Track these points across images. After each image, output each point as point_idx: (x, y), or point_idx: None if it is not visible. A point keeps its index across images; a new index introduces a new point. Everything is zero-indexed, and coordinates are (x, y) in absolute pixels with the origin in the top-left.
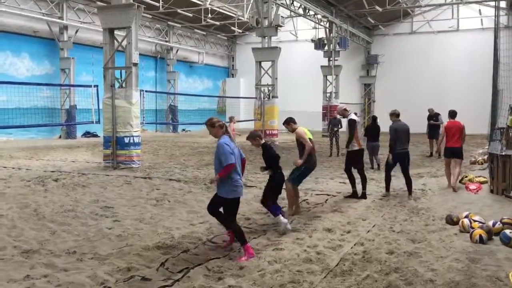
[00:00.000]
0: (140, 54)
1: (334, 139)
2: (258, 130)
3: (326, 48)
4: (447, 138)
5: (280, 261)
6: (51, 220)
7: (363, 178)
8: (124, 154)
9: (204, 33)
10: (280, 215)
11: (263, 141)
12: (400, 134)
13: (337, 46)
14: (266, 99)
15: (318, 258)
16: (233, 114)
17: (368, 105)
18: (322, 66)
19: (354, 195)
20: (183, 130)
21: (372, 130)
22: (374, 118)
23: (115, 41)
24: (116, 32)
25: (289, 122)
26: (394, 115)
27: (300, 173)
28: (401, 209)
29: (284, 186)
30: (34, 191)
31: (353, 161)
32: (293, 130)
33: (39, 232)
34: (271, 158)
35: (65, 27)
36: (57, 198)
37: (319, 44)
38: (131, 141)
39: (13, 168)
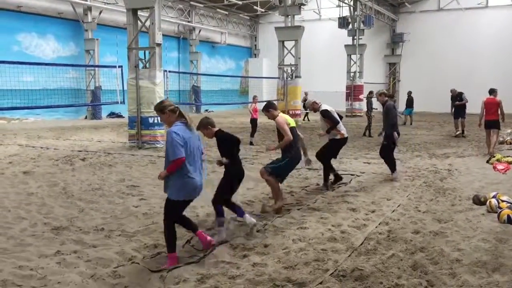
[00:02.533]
0: (163, 35)
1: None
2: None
3: (350, 26)
4: (486, 112)
5: (304, 240)
6: (79, 198)
7: (329, 169)
8: (148, 134)
9: (227, 12)
10: (246, 214)
11: (216, 128)
12: (395, 114)
13: (362, 25)
14: (289, 79)
15: (343, 237)
16: (256, 94)
17: (393, 85)
18: (346, 45)
19: (325, 183)
20: (206, 110)
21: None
22: (409, 93)
23: (138, 21)
24: (139, 12)
25: (268, 109)
26: (383, 94)
27: (281, 165)
28: (427, 189)
29: (262, 177)
30: (62, 170)
31: (332, 151)
32: (273, 118)
33: (68, 210)
34: (227, 145)
35: (89, 8)
36: (84, 177)
37: (343, 22)
38: (156, 121)
39: (41, 148)
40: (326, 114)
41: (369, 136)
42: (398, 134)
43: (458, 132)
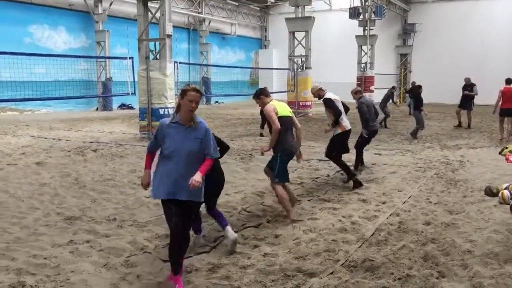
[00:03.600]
0: (173, 26)
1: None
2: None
3: (361, 17)
4: (503, 101)
5: (315, 230)
6: (91, 188)
7: (341, 166)
8: None
9: (237, 3)
10: (228, 227)
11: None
12: (371, 110)
13: (373, 15)
14: (299, 70)
15: (353, 228)
16: (266, 85)
17: (404, 76)
18: (357, 36)
19: (350, 177)
20: (216, 102)
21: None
22: (418, 87)
23: (149, 13)
24: (149, 4)
25: (259, 96)
26: (359, 91)
27: (279, 164)
28: (438, 180)
29: (272, 191)
30: (74, 161)
31: (338, 146)
32: (263, 106)
33: (80, 200)
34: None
35: (100, 0)
36: (96, 167)
37: (354, 13)
38: (166, 112)
39: (54, 139)
40: (329, 103)
41: (385, 127)
42: (373, 132)
43: (461, 122)
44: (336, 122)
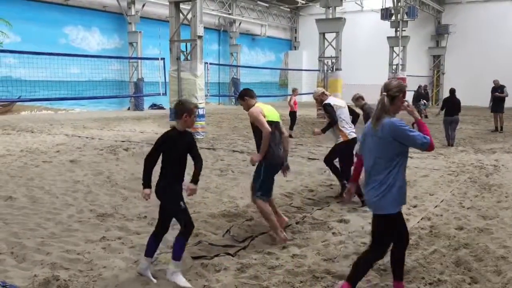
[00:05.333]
0: (204, 27)
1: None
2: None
3: (393, 18)
4: None
5: (344, 233)
6: (123, 186)
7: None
8: None
9: (267, 5)
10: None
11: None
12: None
13: (405, 16)
14: (329, 71)
15: None
16: (296, 86)
17: (437, 78)
18: (388, 37)
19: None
20: None
21: (450, 103)
22: (452, 91)
23: (180, 14)
24: (181, 5)
25: (243, 97)
26: (361, 98)
27: (264, 176)
28: (472, 185)
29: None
30: (107, 159)
31: (339, 155)
32: (248, 108)
33: (112, 198)
34: None
35: (133, 2)
36: (127, 166)
37: (386, 14)
38: (196, 113)
39: (87, 137)
40: (326, 109)
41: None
42: None
43: (497, 126)
44: (328, 128)
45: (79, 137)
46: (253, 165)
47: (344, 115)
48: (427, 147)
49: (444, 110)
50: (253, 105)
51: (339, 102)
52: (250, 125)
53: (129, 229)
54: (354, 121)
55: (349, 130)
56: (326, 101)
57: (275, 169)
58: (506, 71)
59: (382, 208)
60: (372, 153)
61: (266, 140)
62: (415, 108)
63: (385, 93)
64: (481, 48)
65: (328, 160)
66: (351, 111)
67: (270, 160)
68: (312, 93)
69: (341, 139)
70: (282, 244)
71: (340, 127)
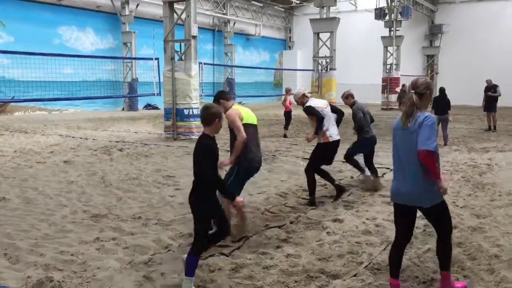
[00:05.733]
0: (198, 27)
1: None
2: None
3: (387, 18)
4: None
5: (338, 232)
6: (117, 187)
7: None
8: (184, 126)
9: (261, 4)
10: None
11: None
12: (366, 116)
13: (399, 16)
14: (323, 71)
15: (377, 230)
16: (290, 86)
17: (431, 77)
18: (382, 37)
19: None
20: (240, 102)
21: (440, 102)
22: (442, 90)
23: (174, 14)
24: (175, 5)
25: (218, 100)
26: (351, 96)
27: (235, 179)
28: (465, 184)
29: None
30: (101, 160)
31: (321, 158)
32: (225, 111)
33: (107, 198)
34: None
35: (127, 2)
36: (122, 166)
37: (380, 13)
38: (191, 113)
39: (81, 138)
40: (309, 112)
41: None
42: (371, 140)
43: (490, 126)
44: (319, 129)
45: (73, 137)
46: (220, 168)
47: (326, 117)
48: (431, 149)
49: (434, 109)
50: (230, 107)
51: (321, 103)
52: (228, 128)
53: (123, 229)
54: (339, 119)
55: (331, 132)
56: (307, 104)
57: (249, 173)
58: (499, 71)
59: (430, 199)
60: (406, 148)
61: (240, 145)
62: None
63: (412, 91)
64: (474, 47)
65: (308, 168)
66: (335, 110)
67: (248, 163)
68: (308, 92)
69: (322, 140)
70: (276, 244)
71: (323, 127)
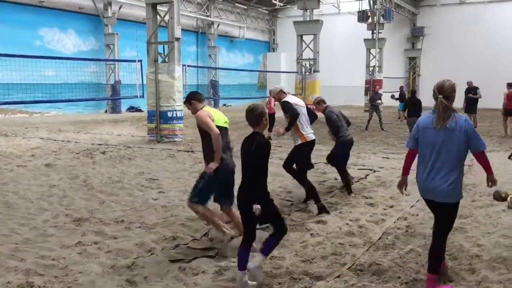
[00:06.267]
0: (181, 29)
1: (374, 113)
2: None
3: (369, 20)
4: (508, 103)
5: (322, 234)
6: (99, 190)
7: (306, 185)
8: (167, 128)
9: (245, 7)
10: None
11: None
12: (340, 118)
13: (381, 18)
14: (307, 73)
15: (361, 232)
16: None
17: (413, 79)
18: (365, 39)
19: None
20: (224, 105)
21: (413, 104)
22: (414, 92)
23: (157, 16)
24: (158, 7)
25: (191, 101)
26: (322, 101)
27: (205, 182)
28: None
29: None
30: (83, 163)
31: (300, 158)
32: (195, 112)
33: (89, 202)
34: None
35: (109, 3)
36: (104, 169)
37: (362, 16)
38: (174, 115)
39: (63, 141)
40: (285, 107)
41: (381, 130)
42: (348, 142)
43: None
44: (291, 125)
45: (55, 140)
46: (210, 174)
47: (303, 115)
48: (484, 149)
49: (408, 111)
50: (201, 109)
51: (298, 101)
52: (198, 130)
53: (106, 233)
54: (311, 122)
55: (307, 132)
56: (284, 99)
57: (226, 177)
58: (480, 73)
59: (454, 196)
60: (445, 147)
61: (217, 142)
62: (372, 108)
63: (440, 96)
64: (455, 49)
65: (289, 169)
66: (310, 112)
67: (226, 167)
68: (292, 94)
69: (299, 141)
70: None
71: (299, 128)
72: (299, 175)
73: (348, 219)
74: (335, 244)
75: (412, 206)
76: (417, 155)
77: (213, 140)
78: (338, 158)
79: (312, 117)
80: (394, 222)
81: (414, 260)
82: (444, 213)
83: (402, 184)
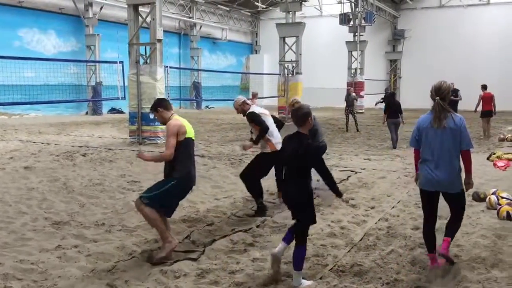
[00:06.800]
0: (164, 31)
1: (350, 116)
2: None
3: (351, 23)
4: (483, 105)
5: None
6: (80, 193)
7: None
8: (149, 130)
9: (228, 8)
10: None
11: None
12: (318, 122)
13: (363, 21)
14: (290, 75)
15: (342, 233)
16: (257, 90)
17: (394, 81)
18: (347, 42)
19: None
20: (207, 107)
21: (391, 106)
22: (392, 94)
23: (139, 17)
24: (140, 8)
25: (157, 108)
26: (298, 103)
27: (163, 191)
28: None
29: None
30: (63, 166)
31: (262, 168)
32: (163, 122)
33: (69, 205)
34: None
35: (90, 4)
36: (85, 172)
37: (344, 19)
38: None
39: (42, 143)
40: (253, 118)
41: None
42: (323, 148)
43: None
44: (260, 138)
45: (34, 142)
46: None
47: (271, 125)
48: (472, 148)
49: (387, 113)
50: (169, 117)
51: (263, 110)
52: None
53: (86, 237)
54: (279, 129)
55: (276, 140)
56: (250, 110)
57: (186, 187)
58: (459, 75)
59: (458, 186)
60: (444, 143)
61: (161, 159)
62: (347, 111)
63: (437, 98)
64: (435, 52)
65: (247, 175)
66: (276, 120)
67: (182, 177)
68: (274, 96)
69: (268, 150)
70: (242, 248)
71: (268, 137)
72: (253, 184)
73: (330, 220)
74: (317, 246)
75: (393, 207)
76: (421, 153)
77: (162, 157)
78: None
79: (279, 124)
80: (376, 223)
81: (395, 260)
82: (454, 201)
83: (417, 179)
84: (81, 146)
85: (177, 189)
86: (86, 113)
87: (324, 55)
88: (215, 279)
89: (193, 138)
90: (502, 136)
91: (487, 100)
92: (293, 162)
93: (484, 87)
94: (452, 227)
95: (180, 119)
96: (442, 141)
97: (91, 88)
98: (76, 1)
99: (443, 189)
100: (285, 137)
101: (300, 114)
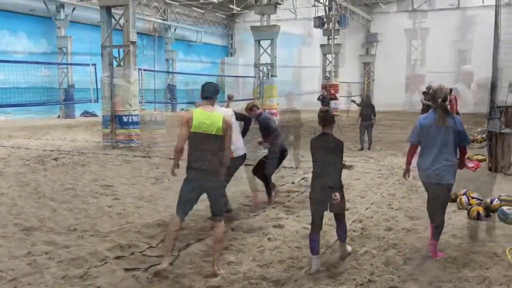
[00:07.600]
0: (138, 33)
1: None
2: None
3: (325, 26)
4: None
5: (279, 238)
6: (51, 198)
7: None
8: (123, 133)
9: (203, 11)
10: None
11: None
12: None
13: (337, 25)
14: (265, 78)
15: None
16: (232, 93)
17: (367, 84)
18: (321, 45)
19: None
20: (182, 109)
21: (365, 109)
22: (368, 98)
23: (112, 19)
24: (113, 10)
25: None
26: (255, 107)
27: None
28: (400, 187)
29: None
30: (34, 170)
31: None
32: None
33: (40, 210)
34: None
35: (62, 5)
36: (56, 177)
37: (318, 22)
38: (130, 120)
39: (12, 147)
40: None
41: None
42: (284, 150)
43: None
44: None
45: (4, 147)
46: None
47: (234, 130)
48: (469, 144)
49: (362, 116)
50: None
51: (225, 110)
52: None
53: (57, 243)
54: (246, 127)
55: (237, 146)
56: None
57: (194, 183)
58: (429, 78)
59: (450, 179)
60: (444, 140)
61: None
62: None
63: (440, 99)
64: (407, 55)
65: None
66: (242, 117)
67: (190, 173)
68: (249, 99)
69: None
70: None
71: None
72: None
73: (305, 222)
74: (292, 248)
75: (367, 209)
76: (420, 148)
77: (175, 148)
78: (273, 165)
79: (246, 121)
80: (350, 225)
81: (369, 262)
82: (443, 192)
83: (406, 172)
84: (52, 150)
85: (184, 187)
86: (58, 116)
87: (298, 58)
88: (190, 284)
89: (207, 131)
90: (472, 137)
91: (451, 103)
92: (327, 159)
93: (450, 91)
94: (438, 228)
95: (198, 110)
96: (443, 138)
97: (63, 91)
98: (48, 3)
99: (439, 180)
100: (314, 139)
101: (330, 116)
